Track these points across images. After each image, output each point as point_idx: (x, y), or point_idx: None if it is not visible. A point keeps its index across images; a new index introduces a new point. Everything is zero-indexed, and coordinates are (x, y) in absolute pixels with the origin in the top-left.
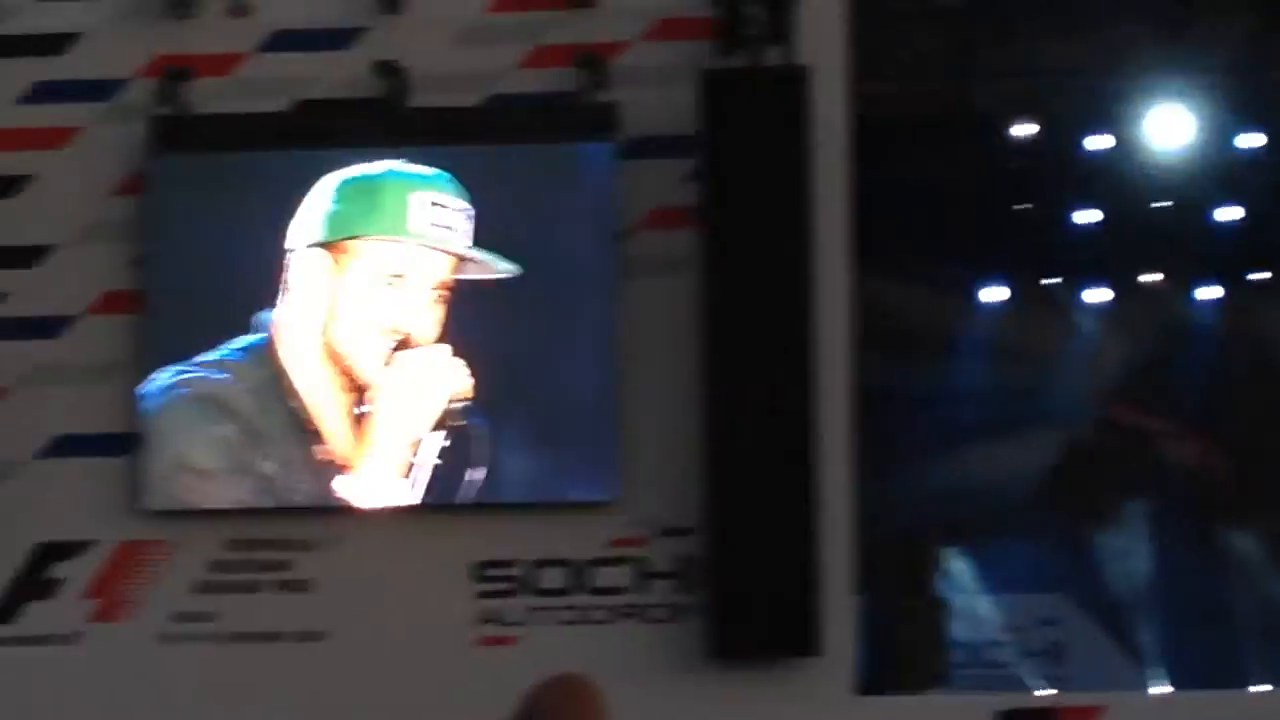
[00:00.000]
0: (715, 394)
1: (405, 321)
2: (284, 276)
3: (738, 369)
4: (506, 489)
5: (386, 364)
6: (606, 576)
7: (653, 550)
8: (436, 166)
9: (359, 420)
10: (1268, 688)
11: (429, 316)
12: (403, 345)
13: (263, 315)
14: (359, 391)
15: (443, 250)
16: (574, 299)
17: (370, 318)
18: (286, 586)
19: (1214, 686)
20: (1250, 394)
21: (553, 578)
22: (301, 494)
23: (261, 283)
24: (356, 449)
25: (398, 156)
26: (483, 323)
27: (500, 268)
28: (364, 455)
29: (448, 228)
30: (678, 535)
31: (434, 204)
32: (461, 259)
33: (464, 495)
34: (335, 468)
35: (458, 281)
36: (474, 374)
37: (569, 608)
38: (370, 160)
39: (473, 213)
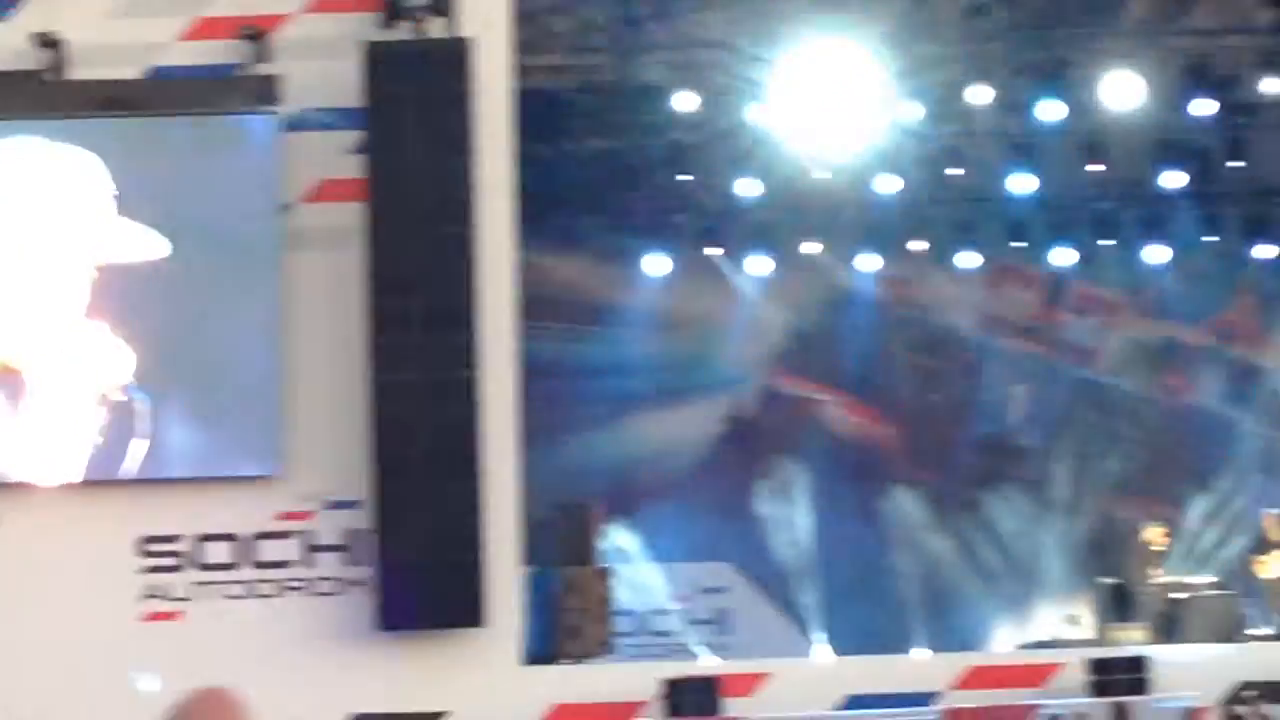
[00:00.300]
0: (379, 367)
1: (50, 299)
2: None
3: (402, 342)
4: (169, 464)
5: (37, 341)
6: (272, 550)
7: (319, 523)
8: (95, 139)
9: (14, 397)
10: (927, 652)
11: (75, 293)
12: (52, 323)
13: None
14: (10, 369)
15: (81, 226)
16: (236, 273)
17: (10, 294)
18: None
19: (875, 652)
20: (909, 363)
21: (218, 552)
22: None
23: None
24: (13, 425)
25: (55, 129)
26: (143, 298)
27: (148, 244)
28: (20, 432)
29: (87, 203)
30: (344, 508)
31: (72, 179)
32: (104, 235)
33: (126, 470)
34: None
35: (112, 257)
36: (134, 349)
37: (235, 582)
38: (27, 132)
39: (114, 190)
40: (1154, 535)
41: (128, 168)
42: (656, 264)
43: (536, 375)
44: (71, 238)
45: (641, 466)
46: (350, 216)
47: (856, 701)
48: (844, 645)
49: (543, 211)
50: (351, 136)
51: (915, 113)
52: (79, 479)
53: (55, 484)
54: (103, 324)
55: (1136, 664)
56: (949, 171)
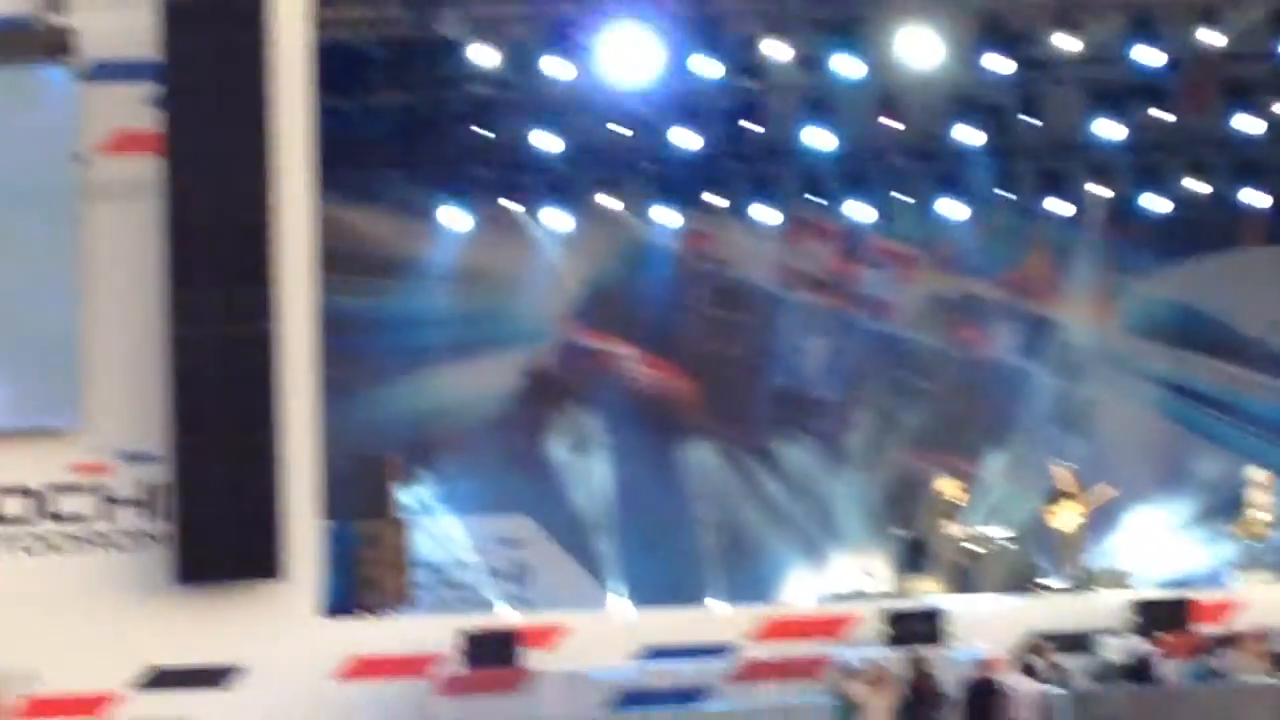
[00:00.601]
0: (177, 321)
1: None
2: None
3: (199, 296)
4: None
5: None
6: (69, 503)
7: (116, 477)
8: None
9: None
10: (724, 604)
11: None
12: None
13: None
14: None
15: None
16: (33, 225)
17: None
18: None
19: (673, 604)
20: (706, 316)
21: (13, 505)
22: None
23: None
24: None
25: None
26: None
27: None
28: None
29: None
30: (142, 461)
31: None
32: None
33: None
34: None
35: None
36: None
37: (31, 535)
38: None
39: None
40: (948, 488)
41: None
42: (455, 217)
43: (335, 329)
44: None
45: (440, 420)
46: (147, 169)
47: (654, 653)
48: (642, 597)
49: (341, 165)
50: (148, 89)
51: (712, 67)
52: None
53: None
54: None
55: (931, 616)
56: (746, 126)
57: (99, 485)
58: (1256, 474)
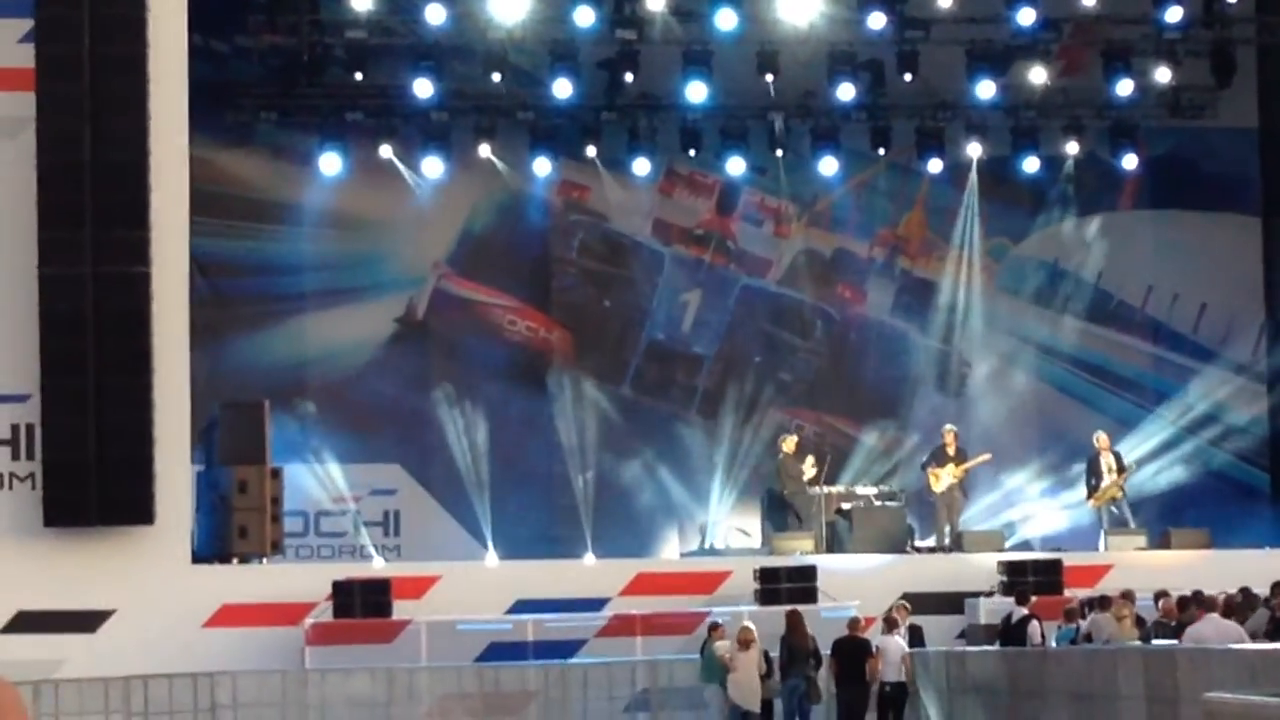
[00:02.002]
0: (48, 261)
1: None
2: None
3: (71, 236)
4: None
5: None
6: None
7: None
8: None
9: None
10: (596, 558)
11: None
12: None
13: None
14: None
15: None
16: None
17: None
18: None
19: (546, 557)
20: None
21: None
22: None
23: None
24: None
25: None
26: None
27: None
28: None
29: None
30: (12, 402)
31: None
32: None
33: None
34: None
35: None
36: None
37: None
38: None
39: None
40: (791, 445)
41: None
42: (331, 163)
43: (209, 272)
44: None
45: (313, 366)
46: (21, 106)
47: (526, 605)
48: (514, 550)
49: (217, 106)
50: (22, 24)
51: (590, 17)
52: None
53: None
54: None
55: (804, 573)
56: (624, 77)
57: None
58: (1100, 439)
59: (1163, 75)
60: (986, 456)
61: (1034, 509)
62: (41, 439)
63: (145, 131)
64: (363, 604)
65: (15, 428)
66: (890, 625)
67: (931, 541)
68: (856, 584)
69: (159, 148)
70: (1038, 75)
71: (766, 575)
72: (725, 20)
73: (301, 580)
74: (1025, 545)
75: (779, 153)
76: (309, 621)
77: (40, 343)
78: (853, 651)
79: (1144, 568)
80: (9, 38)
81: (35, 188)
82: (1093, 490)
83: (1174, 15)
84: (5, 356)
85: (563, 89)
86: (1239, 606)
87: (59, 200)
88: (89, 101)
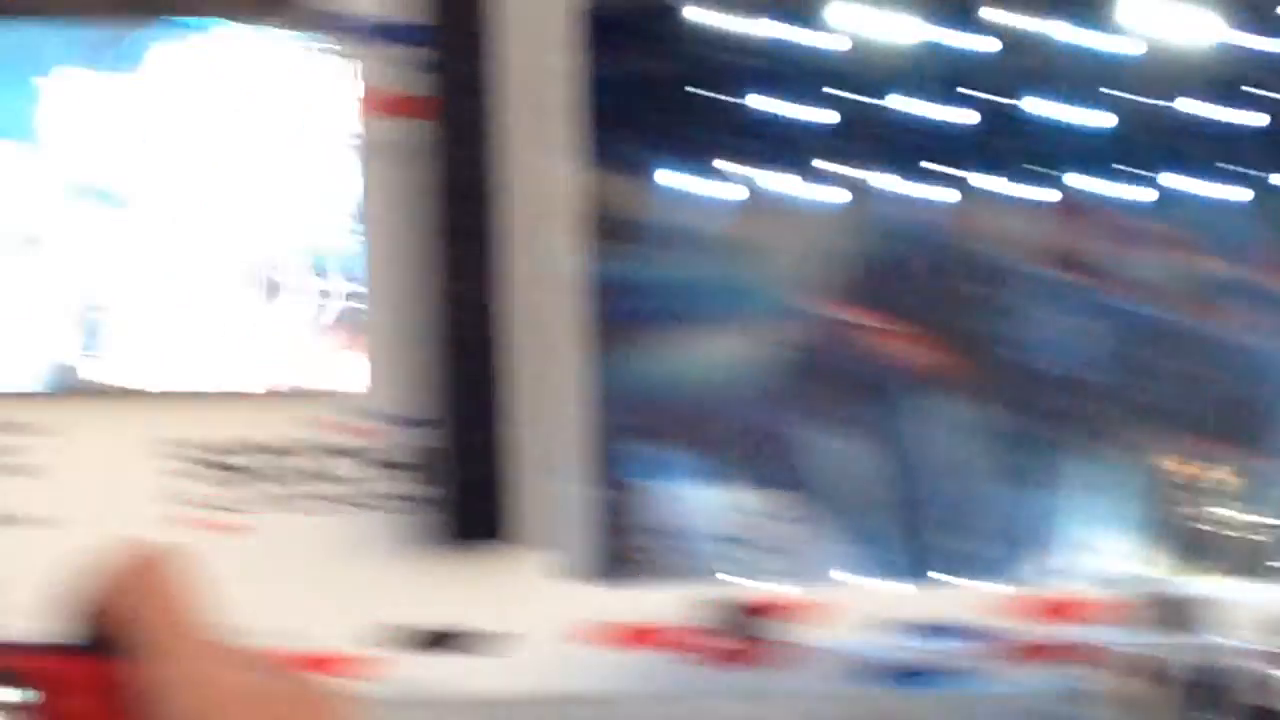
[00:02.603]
0: (443, 281)
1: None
2: None
3: (463, 255)
4: (244, 373)
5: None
6: (339, 464)
7: (386, 439)
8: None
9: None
10: (993, 584)
11: None
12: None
13: None
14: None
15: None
16: (312, 189)
17: None
18: (13, 470)
19: (921, 579)
20: (973, 295)
21: (285, 463)
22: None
23: None
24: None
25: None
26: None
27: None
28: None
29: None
30: (409, 425)
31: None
32: None
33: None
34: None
35: None
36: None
37: (303, 494)
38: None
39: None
40: (1222, 475)
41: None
42: (715, 186)
43: (592, 295)
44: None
45: (687, 388)
46: (418, 132)
47: (899, 629)
48: (902, 573)
49: (599, 130)
50: (415, 52)
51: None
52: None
53: (127, 389)
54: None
55: (1205, 604)
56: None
57: (368, 447)
58: None
59: None
60: None
61: None
62: (445, 461)
63: (533, 157)
64: (732, 626)
65: (419, 450)
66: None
67: None
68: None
69: (549, 172)
70: None
71: (1165, 604)
72: (1110, 42)
73: (670, 601)
74: None
75: (1170, 176)
76: (677, 643)
77: (438, 370)
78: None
79: None
80: (400, 64)
81: (429, 212)
82: None
83: None
84: (409, 379)
85: (952, 112)
86: None
87: (454, 220)
88: (479, 127)
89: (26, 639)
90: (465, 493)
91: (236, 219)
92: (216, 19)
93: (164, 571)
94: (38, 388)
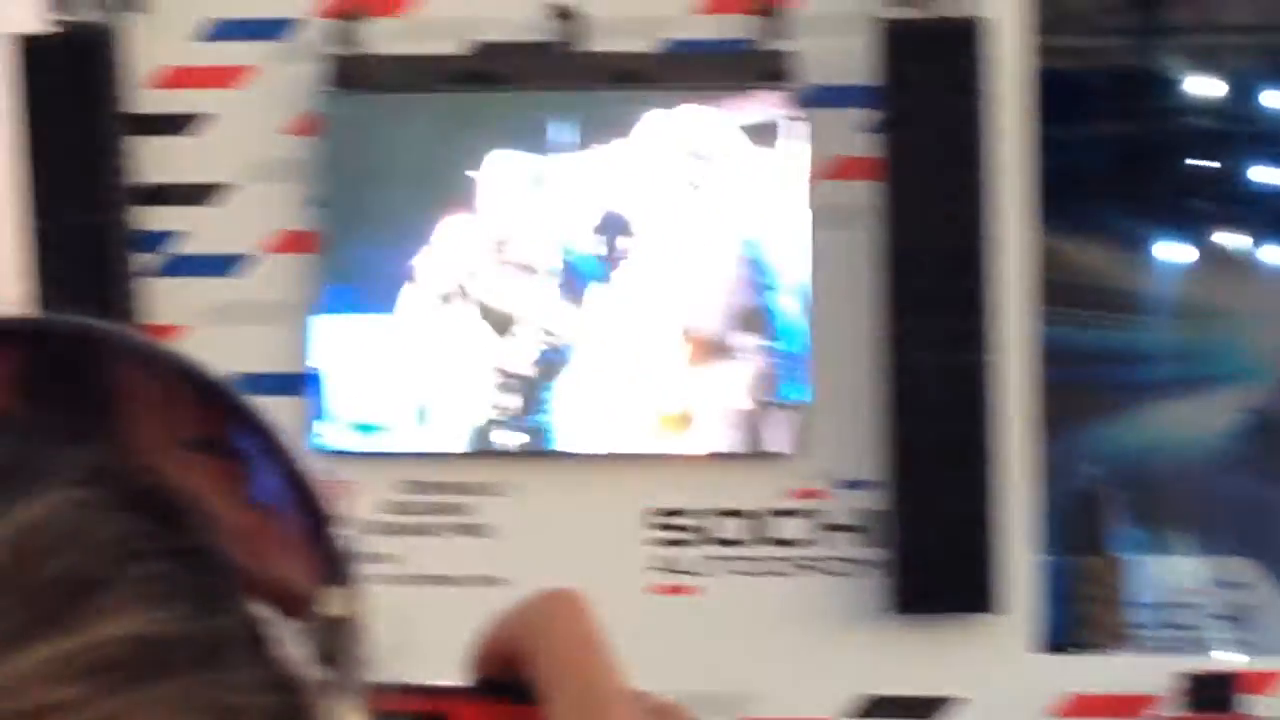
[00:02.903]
0: (896, 349)
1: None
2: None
3: (918, 324)
4: (684, 438)
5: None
6: (785, 527)
7: (832, 503)
8: (610, 112)
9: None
10: None
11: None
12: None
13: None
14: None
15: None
16: (762, 252)
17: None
18: (464, 530)
19: None
20: None
21: (732, 528)
22: (483, 438)
23: (432, 226)
24: (552, 391)
25: (571, 101)
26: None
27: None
28: (558, 399)
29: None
30: (858, 488)
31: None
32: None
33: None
34: (524, 412)
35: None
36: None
37: (747, 558)
38: (543, 104)
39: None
40: None
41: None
42: (1174, 250)
43: (1051, 361)
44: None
45: (1156, 456)
46: (865, 195)
47: None
48: None
49: (1059, 195)
50: (866, 114)
51: None
52: (596, 450)
53: (574, 453)
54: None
55: None
56: None
57: (815, 510)
58: None
59: None
60: None
61: None
62: (887, 526)
63: (989, 221)
64: (1211, 699)
65: (863, 514)
66: None
67: None
68: None
69: (1002, 237)
70: None
71: None
72: None
73: (1147, 673)
74: None
75: None
76: (1155, 715)
77: (888, 430)
78: None
79: None
80: (852, 127)
81: (879, 277)
82: None
83: None
84: (854, 445)
85: None
86: None
87: (907, 289)
88: (933, 191)
89: (442, 684)
90: (928, 558)
91: (679, 282)
92: (685, 93)
93: (572, 615)
94: (484, 448)
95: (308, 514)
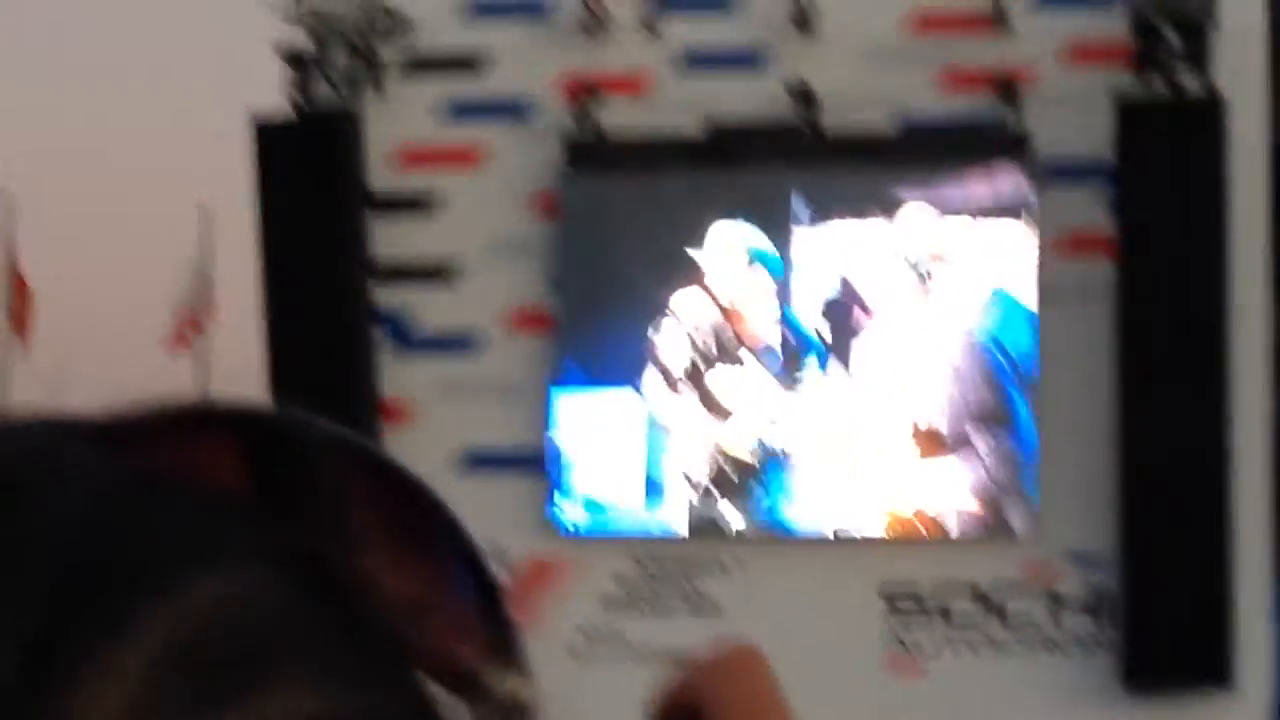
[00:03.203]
0: (1129, 423)
1: None
2: None
3: (1152, 398)
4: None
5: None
6: (1016, 604)
7: (1064, 579)
8: (846, 191)
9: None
10: None
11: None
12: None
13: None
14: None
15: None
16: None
17: None
18: (696, 610)
19: None
20: None
21: (963, 604)
22: (712, 519)
23: (666, 303)
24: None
25: (808, 182)
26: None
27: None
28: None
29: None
30: (1090, 564)
31: None
32: None
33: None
34: (750, 493)
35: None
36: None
37: (980, 635)
38: (781, 185)
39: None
40: None
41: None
42: None
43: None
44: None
45: None
46: (1099, 271)
47: None
48: None
49: None
50: (1099, 191)
51: None
52: (826, 532)
53: (803, 535)
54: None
55: None
56: None
57: (1046, 587)
58: None
59: None
60: None
61: None
62: (1121, 601)
63: (1226, 296)
64: None
65: (1093, 589)
66: None
67: None
68: None
69: (1239, 311)
70: None
71: None
72: None
73: None
74: None
75: None
76: None
77: (1121, 505)
78: None
79: None
80: (1085, 204)
81: (1115, 352)
82: None
83: None
84: (1086, 521)
85: None
86: None
87: (1140, 366)
88: (1170, 267)
89: None
90: (1161, 634)
91: (911, 369)
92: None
93: (754, 671)
94: (714, 528)
95: (483, 594)
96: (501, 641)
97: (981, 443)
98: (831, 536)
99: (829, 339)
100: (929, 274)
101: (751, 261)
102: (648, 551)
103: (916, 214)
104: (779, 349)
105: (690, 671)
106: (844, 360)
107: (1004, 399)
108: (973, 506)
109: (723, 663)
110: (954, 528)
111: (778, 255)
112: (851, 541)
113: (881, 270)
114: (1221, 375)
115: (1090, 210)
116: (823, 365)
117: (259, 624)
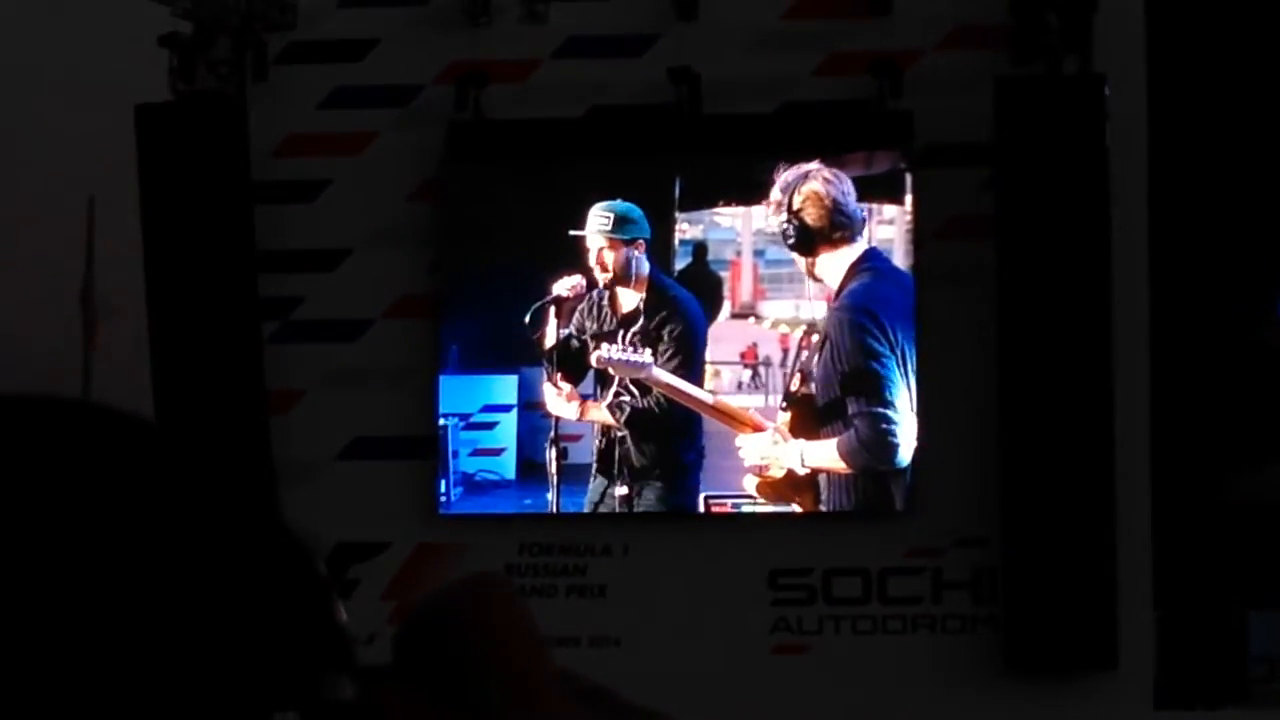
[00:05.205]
0: (1011, 404)
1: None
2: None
3: (1034, 379)
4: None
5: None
6: (900, 586)
7: (947, 560)
8: (727, 175)
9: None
10: None
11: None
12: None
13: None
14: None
15: None
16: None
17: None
18: (580, 591)
19: None
20: None
21: (846, 587)
22: (596, 501)
23: (546, 288)
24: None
25: (690, 165)
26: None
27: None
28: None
29: None
30: (973, 546)
31: None
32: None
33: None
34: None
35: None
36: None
37: (863, 617)
38: (663, 168)
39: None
40: None
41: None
42: None
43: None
44: None
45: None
46: (981, 253)
47: None
48: None
49: (1177, 250)
50: (981, 173)
51: None
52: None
53: (686, 514)
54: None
55: None
56: None
57: (931, 568)
58: None
59: None
60: None
61: None
62: (1004, 583)
63: (1106, 276)
64: None
65: (975, 570)
66: None
67: None
68: None
69: (1120, 291)
70: None
71: None
72: None
73: None
74: None
75: None
76: None
77: (1003, 488)
78: None
79: None
80: (966, 186)
81: (990, 333)
82: None
83: None
84: (969, 504)
85: None
86: None
87: (1021, 347)
88: (1051, 248)
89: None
90: (1044, 615)
91: (787, 344)
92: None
93: (502, 600)
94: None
95: (315, 598)
96: (337, 646)
97: (858, 418)
98: (710, 512)
99: (709, 317)
100: (807, 249)
101: (630, 241)
102: (533, 534)
103: (797, 196)
104: (660, 328)
105: (434, 601)
106: (724, 340)
107: (880, 384)
108: (850, 482)
109: (467, 584)
110: (832, 503)
111: (653, 234)
112: (735, 519)
113: (758, 246)
114: (1103, 356)
115: (971, 192)
116: (704, 343)
117: None
